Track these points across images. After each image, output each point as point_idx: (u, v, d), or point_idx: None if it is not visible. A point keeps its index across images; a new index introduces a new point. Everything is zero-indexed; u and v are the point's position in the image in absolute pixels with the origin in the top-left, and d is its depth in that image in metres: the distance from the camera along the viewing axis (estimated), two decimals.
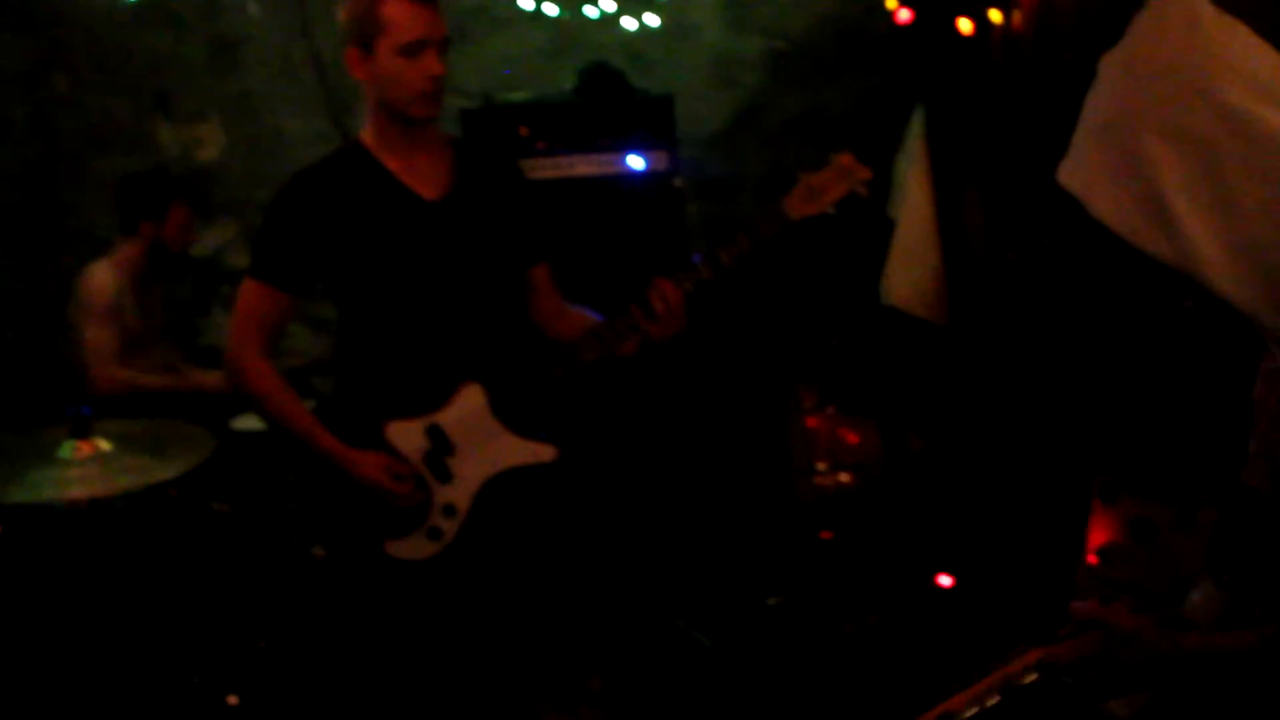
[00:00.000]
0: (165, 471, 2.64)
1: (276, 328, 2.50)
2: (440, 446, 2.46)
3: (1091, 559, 2.91)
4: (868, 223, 4.22)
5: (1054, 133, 1.53)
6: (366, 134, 2.49)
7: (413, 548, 2.46)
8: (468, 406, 2.46)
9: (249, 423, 3.67)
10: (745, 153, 4.64)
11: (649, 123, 3.89)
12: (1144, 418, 3.09)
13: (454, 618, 2.56)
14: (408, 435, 2.46)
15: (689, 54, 4.51)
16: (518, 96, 4.07)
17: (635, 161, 3.85)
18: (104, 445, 2.59)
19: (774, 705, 3.32)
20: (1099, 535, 2.92)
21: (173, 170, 4.34)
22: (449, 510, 2.46)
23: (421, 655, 2.61)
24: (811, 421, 3.84)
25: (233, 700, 2.92)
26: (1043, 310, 3.61)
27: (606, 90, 3.96)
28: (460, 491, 2.47)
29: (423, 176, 2.47)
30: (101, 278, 3.81)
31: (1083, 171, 1.36)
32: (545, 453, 2.50)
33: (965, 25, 3.70)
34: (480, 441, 2.47)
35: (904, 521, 3.84)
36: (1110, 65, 1.36)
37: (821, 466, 3.78)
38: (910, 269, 4.04)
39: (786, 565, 3.90)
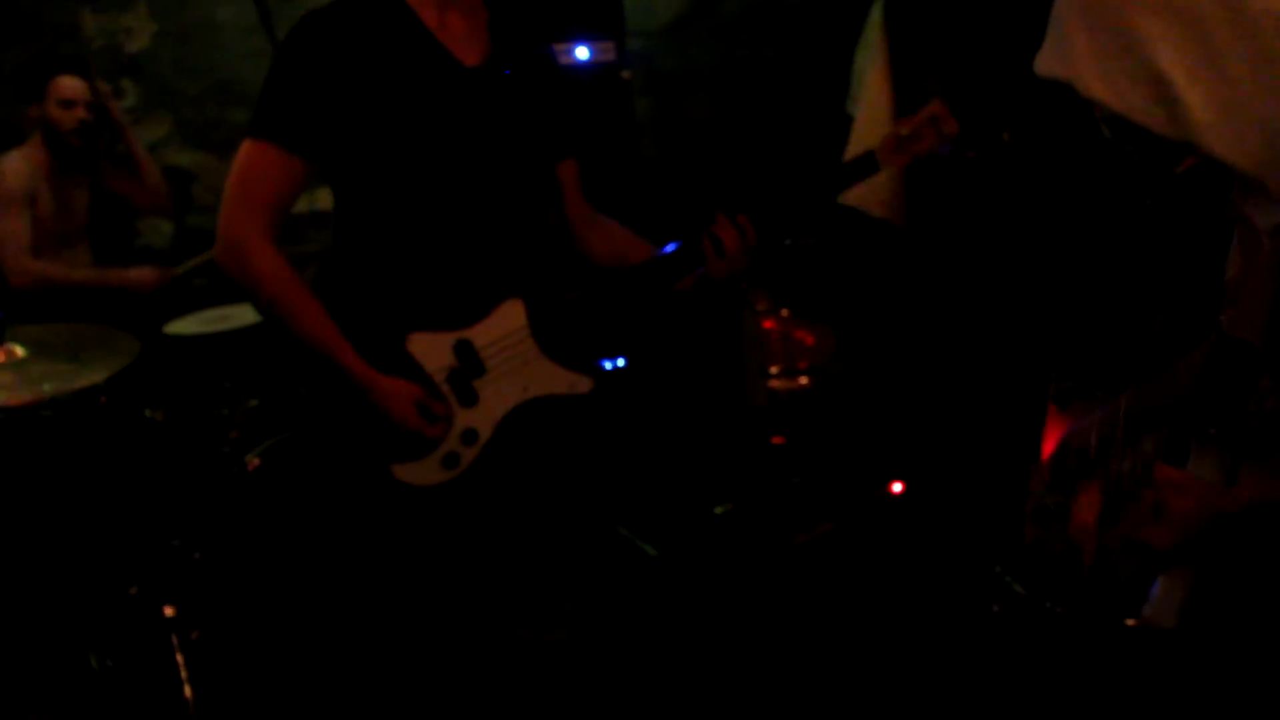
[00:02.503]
0: (87, 378, 2.53)
1: (284, 202, 2.06)
2: (469, 366, 2.16)
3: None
4: (824, 118, 4.12)
5: (1017, 25, 1.52)
6: None
7: (424, 473, 2.16)
8: (506, 325, 2.17)
9: (183, 327, 3.58)
10: (696, 45, 4.49)
11: (595, 12, 3.75)
12: (1102, 320, 3.04)
13: (451, 543, 2.28)
14: (433, 350, 2.14)
15: None
16: None
17: (581, 52, 3.71)
18: (18, 351, 2.49)
19: (724, 618, 3.30)
20: (1052, 441, 2.88)
21: (100, 62, 4.14)
22: (469, 436, 2.17)
23: (411, 576, 2.33)
24: (766, 324, 3.78)
25: (169, 611, 2.85)
26: (1003, 210, 3.54)
27: None
28: (484, 417, 2.18)
29: (459, 37, 2.11)
30: (11, 166, 3.71)
31: (1067, 56, 1.42)
32: (583, 384, 2.24)
33: None
34: (515, 366, 2.18)
35: (858, 427, 3.80)
36: None
37: (775, 370, 3.73)
38: None
39: (737, 471, 3.86)
